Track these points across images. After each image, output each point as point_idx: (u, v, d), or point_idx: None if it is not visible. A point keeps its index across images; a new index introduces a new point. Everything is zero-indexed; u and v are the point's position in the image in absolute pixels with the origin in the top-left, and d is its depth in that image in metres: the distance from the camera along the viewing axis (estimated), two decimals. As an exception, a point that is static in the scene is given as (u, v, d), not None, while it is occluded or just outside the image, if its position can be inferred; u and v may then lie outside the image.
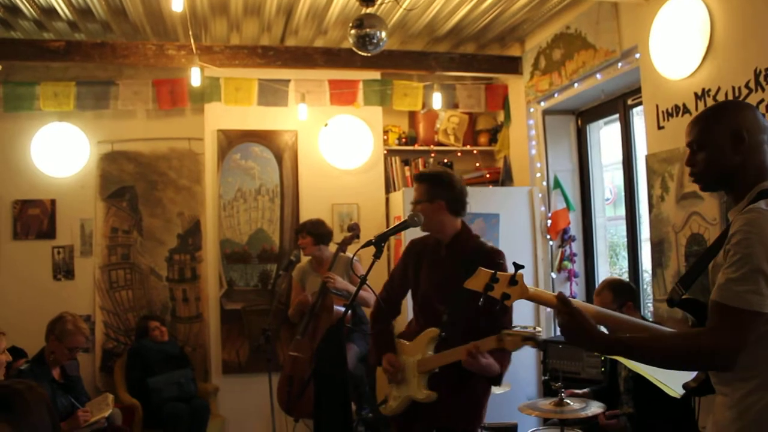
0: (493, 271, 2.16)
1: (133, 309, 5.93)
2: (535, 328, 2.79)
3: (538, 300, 2.10)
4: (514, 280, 2.14)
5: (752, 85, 3.36)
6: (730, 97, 3.49)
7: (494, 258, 3.05)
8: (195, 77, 5.23)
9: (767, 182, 1.90)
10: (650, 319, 3.92)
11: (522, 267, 2.16)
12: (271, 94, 5.91)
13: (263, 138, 5.95)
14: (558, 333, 5.47)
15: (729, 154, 1.93)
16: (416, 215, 2.89)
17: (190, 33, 5.06)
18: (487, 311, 2.83)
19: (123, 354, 5.64)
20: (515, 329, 2.82)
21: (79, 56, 5.17)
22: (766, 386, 1.78)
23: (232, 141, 5.89)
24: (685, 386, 2.08)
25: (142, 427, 4.98)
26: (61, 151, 5.80)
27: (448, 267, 3.09)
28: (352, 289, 4.50)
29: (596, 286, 5.38)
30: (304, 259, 5.27)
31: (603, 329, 2.07)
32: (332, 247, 5.07)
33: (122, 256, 5.96)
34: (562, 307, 1.95)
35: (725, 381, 1.86)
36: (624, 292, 3.76)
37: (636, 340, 1.93)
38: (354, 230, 4.93)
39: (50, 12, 4.85)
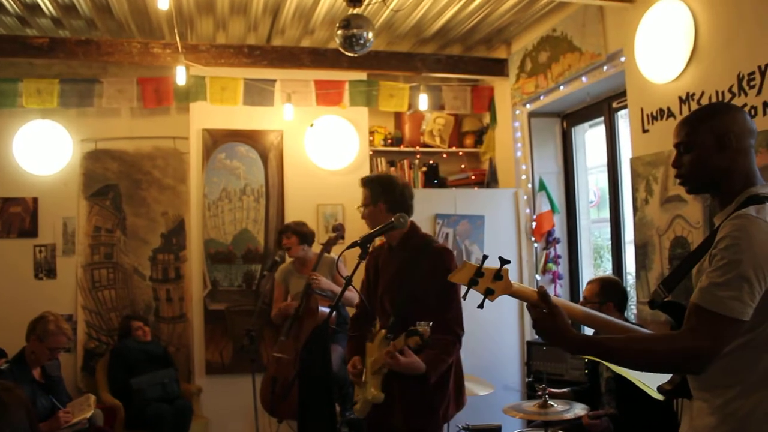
0: (478, 265, 2.14)
1: (116, 309, 5.88)
2: (430, 324, 2.75)
3: (521, 296, 2.05)
4: (499, 275, 2.11)
5: (735, 89, 3.39)
6: (715, 101, 3.52)
7: (441, 257, 3.10)
8: (180, 76, 5.20)
9: (756, 188, 1.87)
10: (634, 322, 3.94)
11: (508, 262, 2.14)
12: (257, 94, 5.89)
13: (249, 138, 5.93)
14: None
15: (715, 157, 1.90)
16: (402, 216, 2.88)
17: (176, 31, 5.03)
18: (434, 307, 2.96)
19: (105, 354, 5.59)
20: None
21: (63, 53, 5.13)
22: (749, 392, 1.76)
23: (217, 140, 5.86)
24: (659, 389, 2.05)
25: (124, 427, 4.94)
26: (43, 148, 5.73)
27: (394, 268, 3.16)
28: (337, 289, 4.49)
29: (580, 288, 5.43)
30: (288, 260, 5.25)
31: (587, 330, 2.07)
32: (316, 249, 5.06)
33: (105, 256, 5.91)
34: (541, 303, 1.93)
35: (706, 386, 1.84)
36: (611, 292, 3.78)
37: (610, 341, 1.88)
38: (339, 231, 4.92)
39: (34, 8, 4.81)
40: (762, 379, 1.75)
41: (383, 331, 3.08)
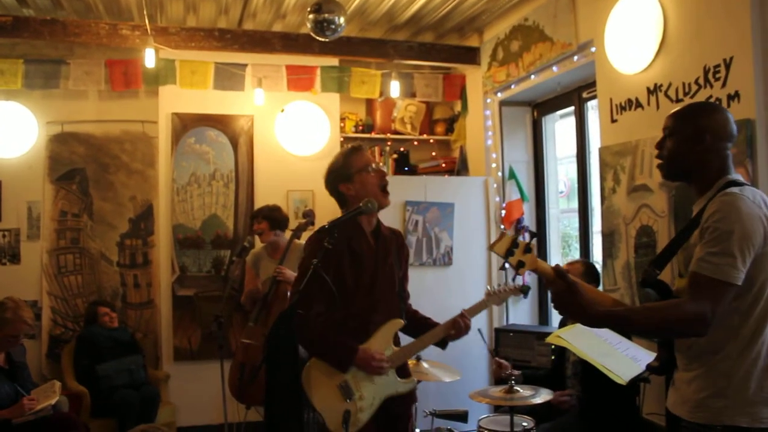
0: (514, 237, 2.19)
1: (82, 294, 5.81)
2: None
3: (541, 271, 2.16)
4: (528, 249, 2.19)
5: (701, 81, 3.44)
6: (681, 93, 3.57)
7: (402, 238, 3.20)
8: (149, 59, 5.13)
9: (731, 176, 2.09)
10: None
11: (536, 235, 2.22)
12: (228, 78, 5.83)
13: (219, 122, 5.87)
14: (509, 321, 5.55)
15: (689, 149, 2.11)
16: (369, 201, 2.85)
17: (145, 13, 4.96)
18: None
19: (71, 341, 5.52)
20: None
21: (28, 33, 5.01)
22: (732, 356, 1.96)
23: (186, 125, 5.79)
24: (648, 366, 2.23)
25: (90, 414, 4.89)
26: (7, 131, 5.62)
27: (386, 253, 3.12)
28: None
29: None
30: (259, 245, 5.22)
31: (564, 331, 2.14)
32: (288, 234, 5.03)
33: (71, 240, 5.83)
34: (558, 279, 2.05)
35: (697, 356, 2.03)
36: (593, 274, 3.94)
37: (627, 311, 2.09)
38: (309, 217, 4.90)
39: (-3, -14, 4.70)
40: (745, 345, 1.96)
41: (400, 321, 2.96)
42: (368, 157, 3.01)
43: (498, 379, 3.94)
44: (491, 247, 2.27)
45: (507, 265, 2.26)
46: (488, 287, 2.97)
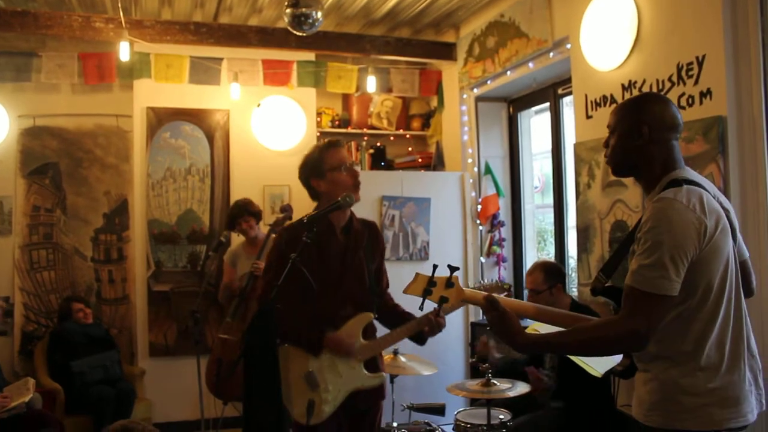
0: (429, 276, 2.20)
1: (56, 290, 5.74)
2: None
3: (473, 301, 2.20)
4: (450, 283, 2.19)
5: (675, 78, 3.49)
6: (655, 89, 3.62)
7: (377, 229, 3.21)
8: (123, 52, 5.07)
9: (676, 172, 2.02)
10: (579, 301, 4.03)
11: (457, 269, 2.23)
12: (203, 72, 5.79)
13: (194, 117, 5.83)
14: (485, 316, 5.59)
15: (629, 144, 2.07)
16: (348, 196, 2.84)
17: (120, 5, 4.89)
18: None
19: (44, 337, 5.46)
20: None
21: (-2, 25, 4.93)
22: (681, 361, 1.93)
23: (161, 119, 5.74)
24: (612, 371, 2.26)
25: (64, 411, 4.84)
26: (-22, 124, 5.53)
27: (358, 248, 3.10)
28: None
29: (524, 270, 5.53)
30: (235, 242, 5.20)
31: (539, 326, 2.17)
32: (265, 230, 5.02)
33: (44, 236, 5.76)
34: (490, 308, 2.05)
35: (647, 359, 2.00)
36: (554, 274, 3.86)
37: (557, 336, 2.06)
38: (286, 211, 4.88)
39: (-33, -23, 4.62)
40: (693, 348, 1.92)
41: (369, 314, 2.96)
42: (343, 155, 2.98)
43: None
44: (406, 291, 2.28)
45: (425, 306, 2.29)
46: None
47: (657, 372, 1.97)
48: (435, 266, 2.32)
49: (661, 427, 1.95)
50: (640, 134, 2.04)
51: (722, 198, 2.08)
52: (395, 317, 3.10)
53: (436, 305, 2.47)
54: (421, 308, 2.28)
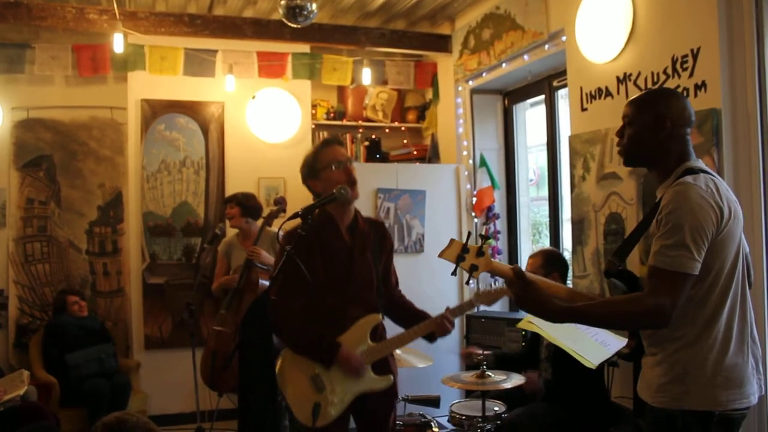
0: (464, 243, 2.21)
1: (51, 283, 5.73)
2: None
3: (498, 272, 2.20)
4: (481, 252, 2.21)
5: (669, 71, 3.49)
6: (650, 82, 3.63)
7: (385, 228, 3.17)
8: (118, 44, 5.05)
9: (690, 162, 2.11)
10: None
11: (488, 238, 2.23)
12: (198, 64, 5.77)
13: (189, 109, 5.81)
14: (481, 308, 5.60)
15: (651, 136, 2.13)
16: (343, 188, 2.81)
17: (113, -3, 4.87)
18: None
19: (39, 330, 5.45)
20: None
21: (-9, 16, 4.90)
22: (691, 343, 2.00)
23: (156, 111, 5.72)
24: (619, 353, 2.37)
25: (59, 404, 4.84)
26: (-29, 116, 5.51)
27: (367, 246, 3.06)
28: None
29: (519, 262, 5.55)
30: (231, 233, 5.20)
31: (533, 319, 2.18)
32: (259, 222, 5.02)
33: (39, 228, 5.74)
34: (517, 279, 2.08)
35: (657, 342, 2.08)
36: (553, 263, 3.87)
37: (587, 307, 2.09)
38: (280, 204, 4.89)
39: (-41, -32, 4.58)
40: (702, 331, 2.00)
41: (377, 316, 2.93)
42: (335, 153, 2.90)
43: (469, 365, 3.96)
44: (441, 255, 2.27)
45: (459, 271, 2.27)
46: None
47: (667, 354, 2.04)
48: (469, 233, 2.35)
49: (669, 407, 2.02)
50: (663, 128, 2.11)
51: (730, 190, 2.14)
52: (408, 315, 3.08)
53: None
54: (454, 273, 2.28)
